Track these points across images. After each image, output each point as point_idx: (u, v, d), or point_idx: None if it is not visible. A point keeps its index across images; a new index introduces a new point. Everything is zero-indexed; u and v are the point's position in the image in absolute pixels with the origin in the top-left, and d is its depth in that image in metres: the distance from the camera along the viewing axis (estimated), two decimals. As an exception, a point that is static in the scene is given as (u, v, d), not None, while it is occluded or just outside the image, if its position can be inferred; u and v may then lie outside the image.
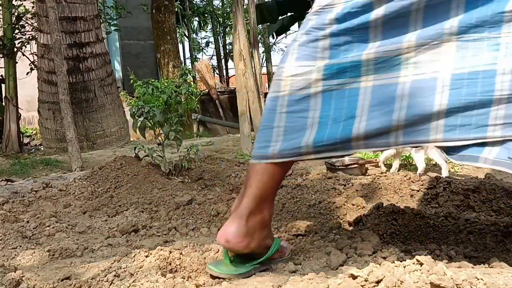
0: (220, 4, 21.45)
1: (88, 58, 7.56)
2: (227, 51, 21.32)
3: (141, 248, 2.16)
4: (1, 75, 9.58)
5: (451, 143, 1.56)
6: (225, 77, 21.40)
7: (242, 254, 1.75)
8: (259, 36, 17.64)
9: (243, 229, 1.69)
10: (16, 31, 9.16)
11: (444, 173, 4.23)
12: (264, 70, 19.46)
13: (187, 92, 4.24)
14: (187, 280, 1.72)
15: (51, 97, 7.45)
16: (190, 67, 17.04)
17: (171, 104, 4.12)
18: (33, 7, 8.94)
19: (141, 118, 4.05)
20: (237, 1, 6.14)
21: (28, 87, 10.38)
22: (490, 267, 1.50)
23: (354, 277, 1.33)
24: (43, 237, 2.66)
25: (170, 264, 1.85)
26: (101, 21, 9.41)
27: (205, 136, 10.38)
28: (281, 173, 1.73)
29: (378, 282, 1.29)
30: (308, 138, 1.63)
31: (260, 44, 14.69)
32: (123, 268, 1.81)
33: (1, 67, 9.51)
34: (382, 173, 4.41)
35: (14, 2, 8.95)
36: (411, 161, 4.55)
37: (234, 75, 8.05)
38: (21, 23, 9.19)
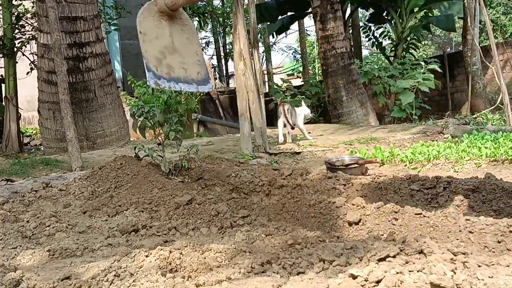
0: (220, 4, 21.43)
1: (88, 58, 7.54)
2: (227, 51, 21.29)
3: (141, 248, 2.16)
4: (1, 75, 9.58)
5: None
6: (225, 77, 21.38)
7: None
8: (259, 35, 17.63)
9: None
10: (16, 31, 9.16)
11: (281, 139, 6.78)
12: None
13: (187, 92, 4.23)
14: (187, 280, 1.72)
15: (51, 97, 7.43)
16: (190, 67, 16.98)
17: (171, 104, 4.11)
18: (33, 7, 8.94)
19: (141, 118, 4.05)
20: (237, 1, 6.13)
21: (28, 87, 10.38)
22: (490, 267, 1.50)
23: (354, 277, 1.33)
24: (43, 237, 2.66)
25: (170, 264, 1.85)
26: (101, 21, 9.39)
27: (205, 136, 10.38)
28: None
29: (378, 282, 1.29)
30: None
31: (260, 44, 14.68)
32: (123, 268, 1.81)
33: (1, 67, 9.51)
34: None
35: (14, 2, 8.94)
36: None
37: (234, 74, 8.06)
38: (21, 23, 9.19)
